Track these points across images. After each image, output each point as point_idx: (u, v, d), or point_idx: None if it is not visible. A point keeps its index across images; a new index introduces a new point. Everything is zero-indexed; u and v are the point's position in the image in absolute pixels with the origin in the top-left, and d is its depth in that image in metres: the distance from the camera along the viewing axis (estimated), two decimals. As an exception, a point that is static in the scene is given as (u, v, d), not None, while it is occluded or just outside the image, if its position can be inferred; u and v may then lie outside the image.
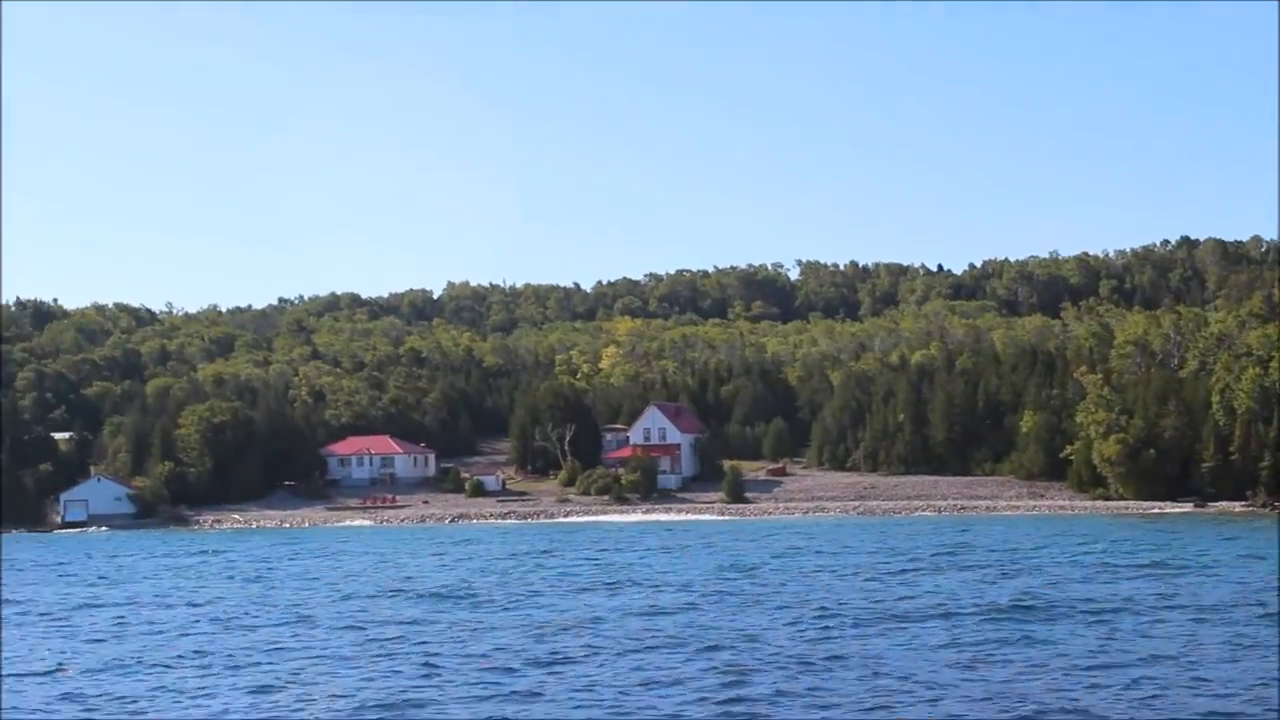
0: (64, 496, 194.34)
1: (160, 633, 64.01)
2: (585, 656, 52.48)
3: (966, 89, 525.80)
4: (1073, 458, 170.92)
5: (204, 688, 48.47)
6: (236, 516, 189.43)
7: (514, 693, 45.15)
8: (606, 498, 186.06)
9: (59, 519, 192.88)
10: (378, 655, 54.32)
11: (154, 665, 53.93)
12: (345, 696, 45.42)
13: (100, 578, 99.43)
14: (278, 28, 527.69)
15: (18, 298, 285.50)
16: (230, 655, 55.74)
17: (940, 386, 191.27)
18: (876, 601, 68.01)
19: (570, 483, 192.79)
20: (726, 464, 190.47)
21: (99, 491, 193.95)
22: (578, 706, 42.59)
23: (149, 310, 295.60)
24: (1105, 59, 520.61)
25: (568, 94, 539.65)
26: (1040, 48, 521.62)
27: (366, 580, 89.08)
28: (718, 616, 63.54)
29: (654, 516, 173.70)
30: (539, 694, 44.79)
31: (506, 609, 69.36)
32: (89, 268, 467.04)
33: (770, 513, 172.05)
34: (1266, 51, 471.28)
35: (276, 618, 68.18)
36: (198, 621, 68.02)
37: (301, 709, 43.68)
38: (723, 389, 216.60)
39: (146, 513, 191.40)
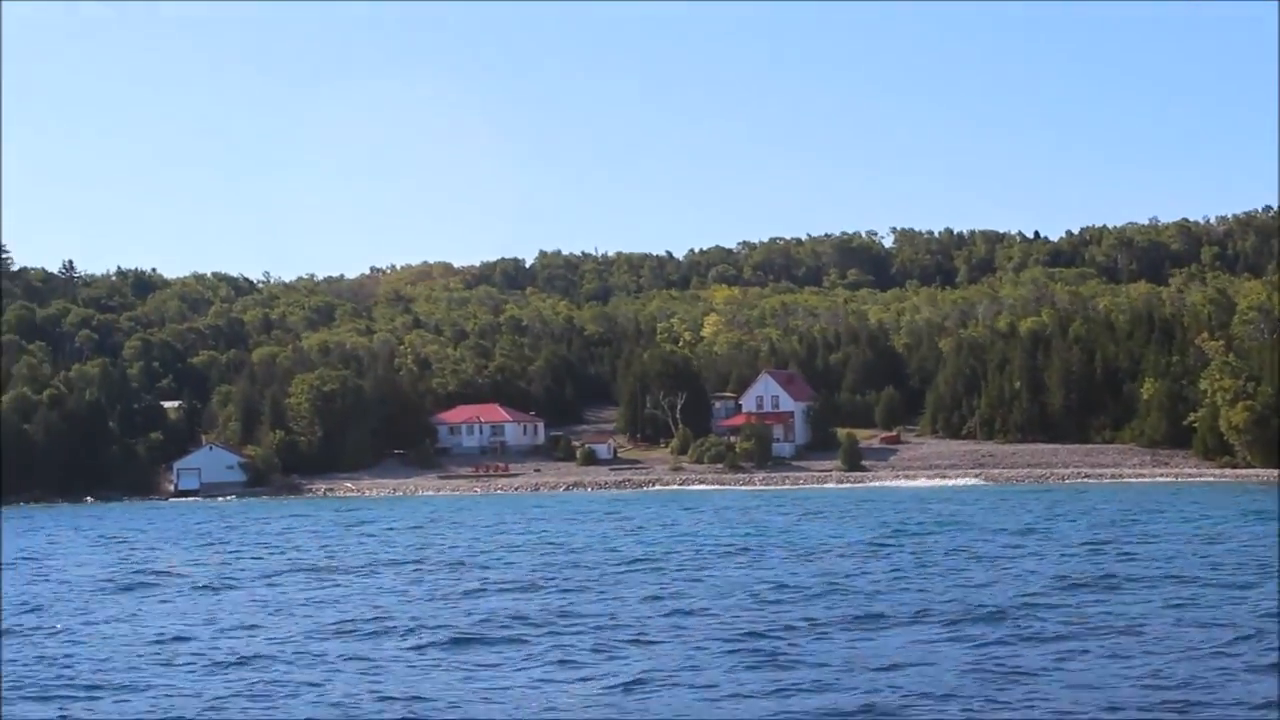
0: (177, 465, 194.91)
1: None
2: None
3: (1057, 52, 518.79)
4: (1196, 425, 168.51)
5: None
6: (349, 484, 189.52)
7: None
8: (720, 466, 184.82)
9: (172, 487, 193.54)
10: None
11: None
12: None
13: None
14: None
15: (118, 267, 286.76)
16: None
17: (1057, 354, 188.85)
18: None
19: (682, 451, 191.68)
20: (841, 432, 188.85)
21: (211, 460, 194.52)
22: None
23: (247, 279, 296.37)
24: (1192, 21, 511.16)
25: (654, 59, 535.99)
26: (1132, 8, 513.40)
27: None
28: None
29: (774, 486, 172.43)
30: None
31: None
32: (177, 238, 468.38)
33: (890, 480, 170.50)
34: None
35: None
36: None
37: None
38: (831, 357, 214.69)
39: (258, 481, 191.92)
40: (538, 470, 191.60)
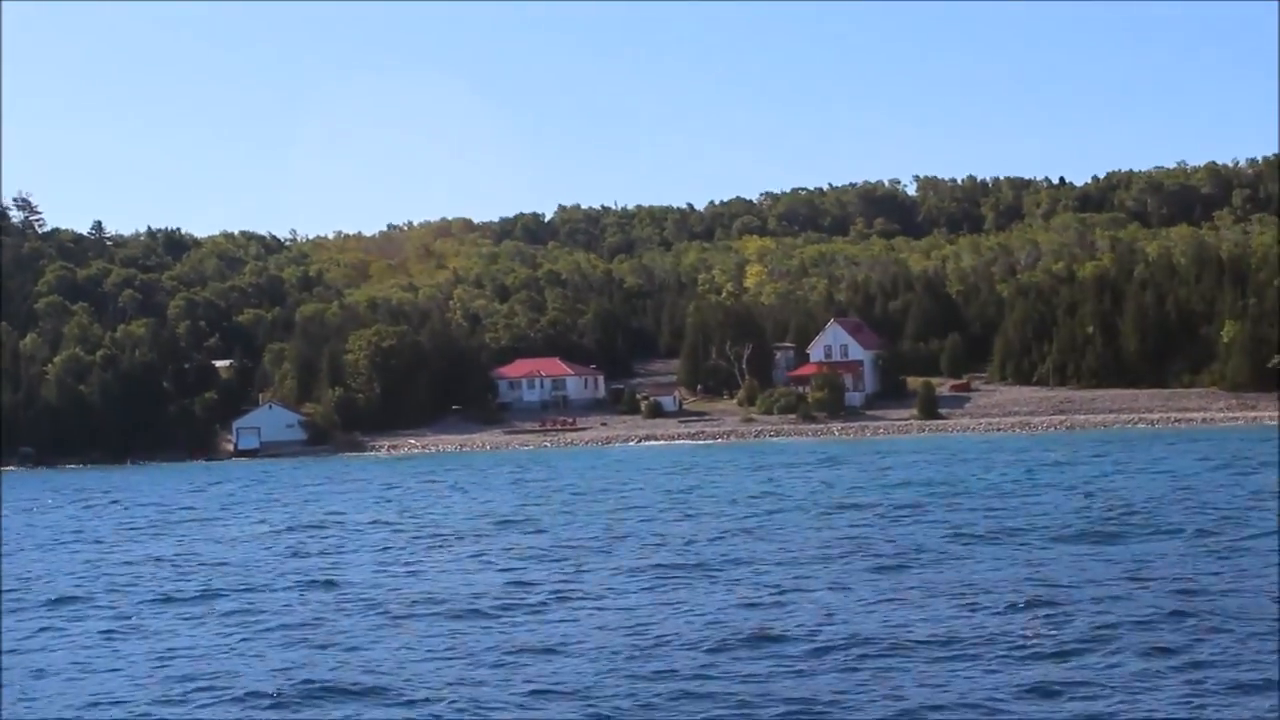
0: (236, 424, 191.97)
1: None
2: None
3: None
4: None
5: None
6: (412, 441, 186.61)
7: None
8: (793, 416, 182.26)
9: (231, 447, 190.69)
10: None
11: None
12: None
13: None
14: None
15: (149, 227, 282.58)
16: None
17: (1131, 297, 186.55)
18: None
19: (749, 402, 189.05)
20: (915, 380, 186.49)
21: (271, 419, 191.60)
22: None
23: (275, 237, 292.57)
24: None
25: (666, 11, 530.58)
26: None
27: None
28: None
29: (855, 436, 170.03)
30: None
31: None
32: (197, 196, 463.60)
33: (973, 429, 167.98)
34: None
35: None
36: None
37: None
38: (890, 305, 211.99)
39: (318, 439, 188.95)
40: (604, 424, 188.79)
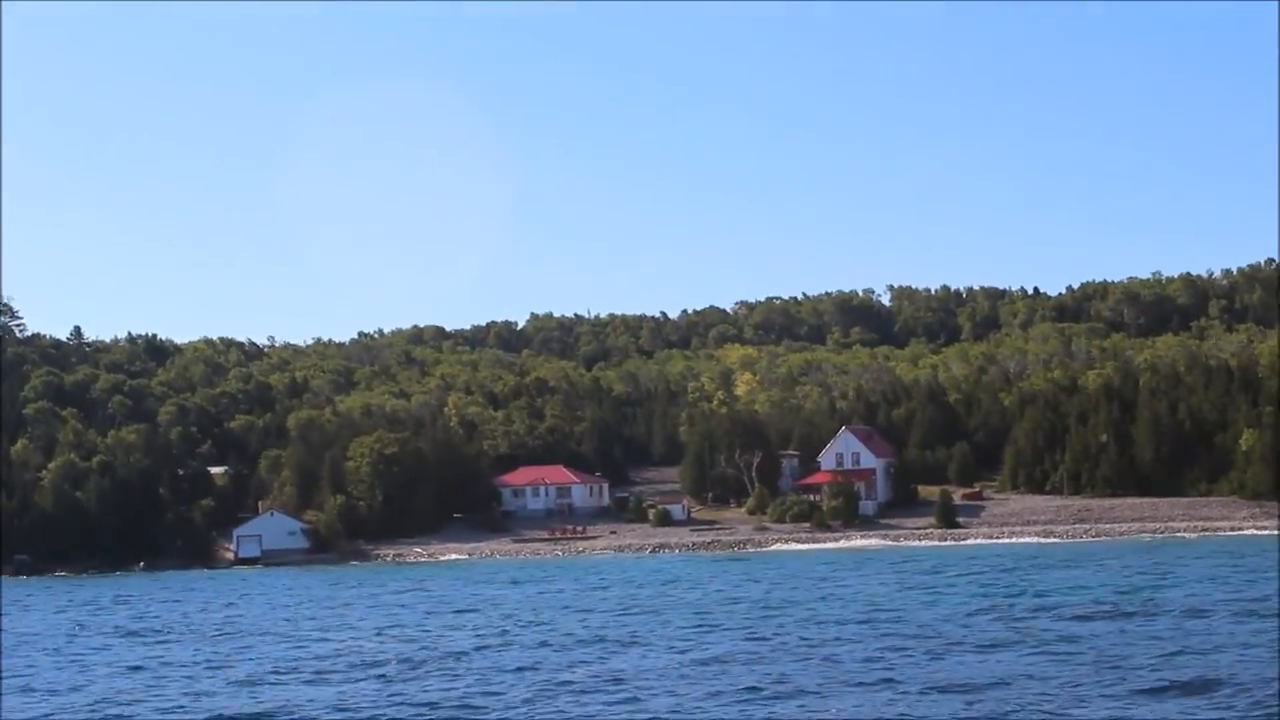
0: (237, 532, 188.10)
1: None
2: None
3: (1047, 107, 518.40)
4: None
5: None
6: (418, 550, 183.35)
7: None
8: (807, 525, 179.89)
9: (231, 555, 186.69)
10: None
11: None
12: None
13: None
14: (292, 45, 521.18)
15: (129, 333, 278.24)
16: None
17: (1144, 405, 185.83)
18: None
19: (758, 510, 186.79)
20: (926, 489, 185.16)
21: (272, 526, 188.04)
22: None
23: (254, 343, 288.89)
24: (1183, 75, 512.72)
25: (638, 123, 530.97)
26: (1122, 63, 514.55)
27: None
28: None
29: (868, 543, 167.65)
30: None
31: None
32: (170, 303, 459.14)
33: (996, 537, 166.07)
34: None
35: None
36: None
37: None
38: (894, 413, 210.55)
39: (321, 547, 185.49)
40: (613, 532, 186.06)
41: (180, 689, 59.49)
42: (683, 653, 63.72)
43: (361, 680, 59.53)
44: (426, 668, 62.51)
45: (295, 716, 51.11)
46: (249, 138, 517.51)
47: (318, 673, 62.50)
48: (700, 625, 76.62)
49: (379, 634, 79.69)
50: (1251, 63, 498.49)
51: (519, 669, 60.60)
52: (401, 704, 52.52)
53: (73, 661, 73.01)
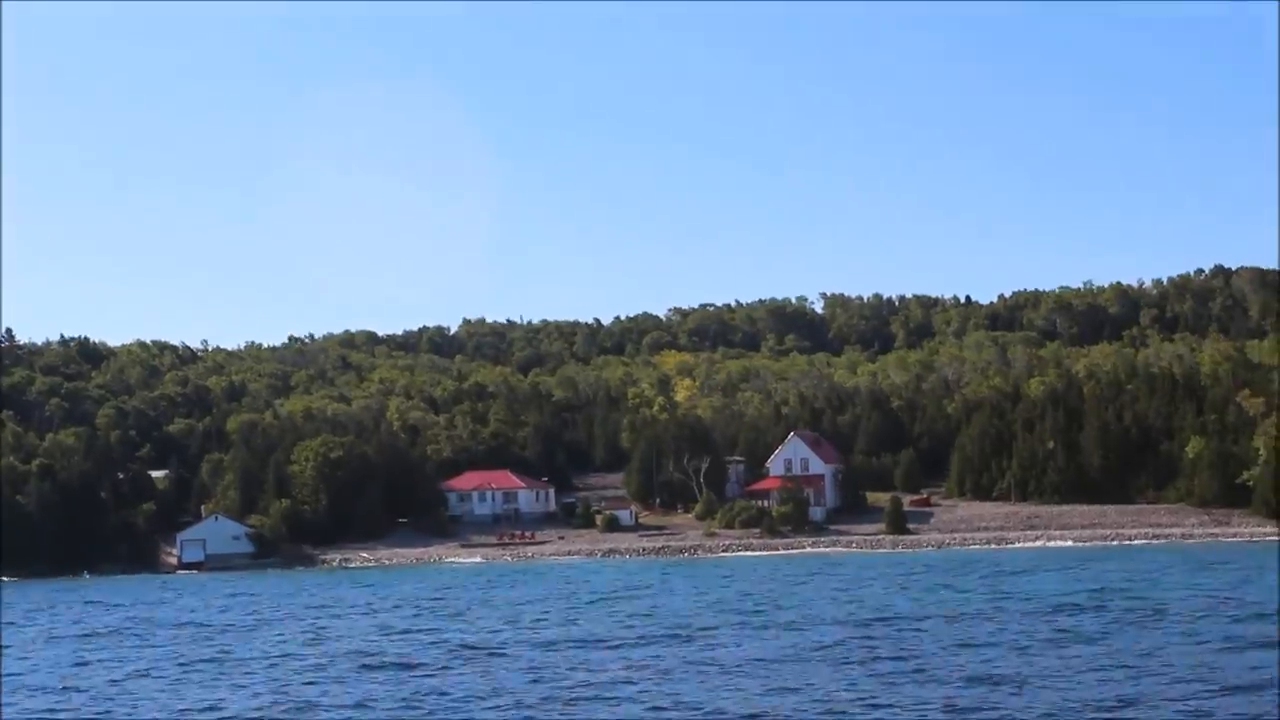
0: (180, 537, 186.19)
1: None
2: None
3: (977, 111, 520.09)
4: (1254, 484, 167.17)
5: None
6: (364, 554, 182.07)
7: None
8: (756, 530, 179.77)
9: (175, 560, 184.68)
10: None
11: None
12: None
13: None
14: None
15: (61, 335, 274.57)
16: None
17: (1091, 413, 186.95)
18: None
19: (706, 516, 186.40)
20: (874, 495, 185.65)
21: (216, 531, 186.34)
22: None
23: (188, 347, 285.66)
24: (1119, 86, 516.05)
25: (582, 130, 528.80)
26: (1060, 74, 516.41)
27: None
28: None
29: (828, 550, 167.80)
30: None
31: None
32: (100, 305, 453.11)
33: (947, 544, 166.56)
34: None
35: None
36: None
37: None
38: (839, 419, 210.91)
39: (266, 552, 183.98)
40: (561, 538, 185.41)
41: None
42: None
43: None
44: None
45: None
46: (153, 142, 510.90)
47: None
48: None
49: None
50: (1189, 72, 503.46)
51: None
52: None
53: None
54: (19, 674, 65.94)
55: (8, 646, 79.92)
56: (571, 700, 50.41)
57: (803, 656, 60.16)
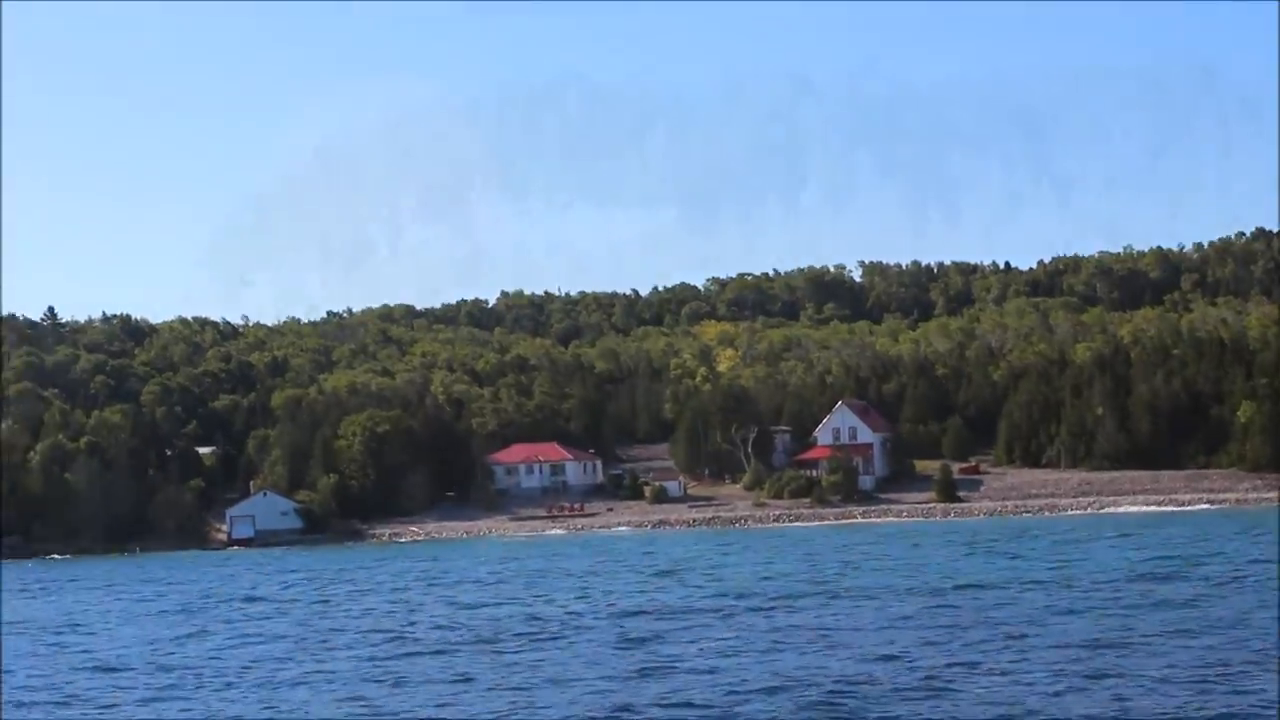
0: (230, 513, 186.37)
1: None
2: None
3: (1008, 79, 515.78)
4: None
5: None
6: (414, 529, 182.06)
7: None
8: (806, 500, 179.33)
9: (224, 536, 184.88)
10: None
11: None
12: None
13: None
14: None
15: (104, 313, 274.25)
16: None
17: (1140, 379, 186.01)
18: None
19: (754, 486, 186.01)
20: (923, 464, 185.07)
21: (266, 506, 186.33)
22: None
23: (229, 323, 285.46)
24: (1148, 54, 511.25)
25: (607, 101, 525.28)
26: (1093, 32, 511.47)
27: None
28: None
29: (873, 519, 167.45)
30: None
31: None
32: (140, 281, 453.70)
33: (999, 512, 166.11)
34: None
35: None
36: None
37: None
38: (884, 387, 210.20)
39: (315, 527, 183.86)
40: (611, 510, 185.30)
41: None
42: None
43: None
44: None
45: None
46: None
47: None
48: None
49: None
50: (1232, 35, 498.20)
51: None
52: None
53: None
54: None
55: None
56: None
57: (892, 625, 59.73)
